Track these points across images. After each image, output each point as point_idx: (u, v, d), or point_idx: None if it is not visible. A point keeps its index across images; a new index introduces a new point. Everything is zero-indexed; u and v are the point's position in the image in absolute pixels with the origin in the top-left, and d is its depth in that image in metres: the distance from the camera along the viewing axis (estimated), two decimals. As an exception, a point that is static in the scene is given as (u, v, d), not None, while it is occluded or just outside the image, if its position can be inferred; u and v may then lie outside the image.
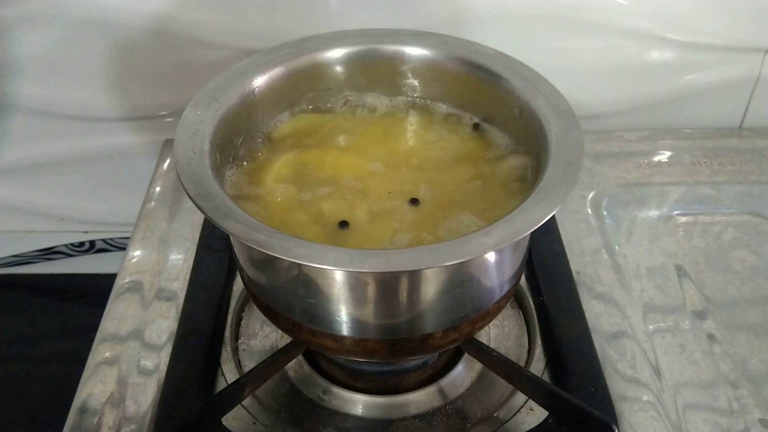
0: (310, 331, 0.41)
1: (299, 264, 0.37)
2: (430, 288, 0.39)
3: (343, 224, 0.42)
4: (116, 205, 0.77)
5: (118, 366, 0.49)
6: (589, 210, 0.61)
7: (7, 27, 0.64)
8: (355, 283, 0.38)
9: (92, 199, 0.77)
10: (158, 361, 0.50)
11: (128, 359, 0.50)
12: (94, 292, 0.83)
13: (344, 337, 0.40)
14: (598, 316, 0.53)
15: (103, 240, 0.80)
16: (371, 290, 0.38)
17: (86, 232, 0.80)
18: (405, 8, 0.64)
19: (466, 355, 0.49)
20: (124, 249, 0.80)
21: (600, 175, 0.64)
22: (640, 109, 0.71)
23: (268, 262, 0.40)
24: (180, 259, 0.57)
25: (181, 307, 0.53)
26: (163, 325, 0.52)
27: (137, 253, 0.59)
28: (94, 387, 0.48)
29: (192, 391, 0.46)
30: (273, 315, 0.43)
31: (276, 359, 0.45)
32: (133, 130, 0.72)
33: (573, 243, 0.58)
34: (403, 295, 0.39)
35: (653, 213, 0.62)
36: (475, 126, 0.49)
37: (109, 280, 0.59)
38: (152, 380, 0.48)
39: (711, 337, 0.52)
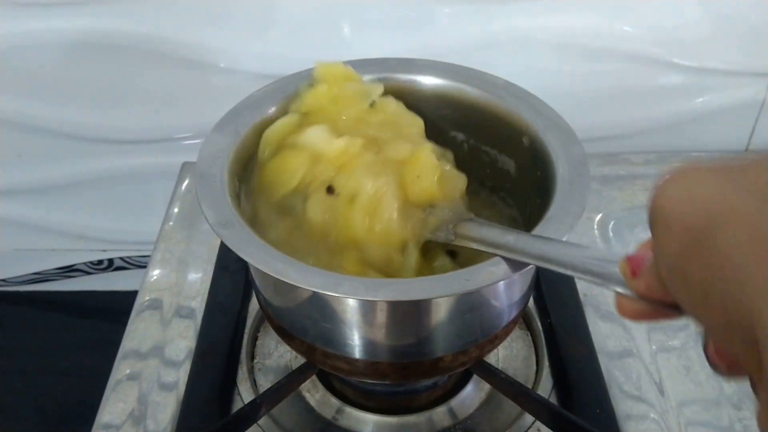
0: (323, 353, 0.42)
1: (315, 291, 0.38)
2: (441, 314, 0.40)
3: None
4: (134, 224, 0.79)
5: (138, 383, 0.51)
6: (596, 233, 0.63)
7: (28, 46, 0.66)
8: (368, 309, 0.39)
9: (111, 218, 0.79)
10: (177, 378, 0.51)
11: (149, 376, 0.52)
12: (112, 308, 0.85)
13: (357, 360, 0.42)
14: (604, 337, 0.54)
15: (121, 258, 0.82)
16: (384, 316, 0.39)
17: (105, 250, 0.82)
18: (415, 35, 0.66)
19: (475, 375, 0.50)
20: (141, 267, 0.83)
21: (607, 198, 0.66)
22: (647, 133, 0.72)
23: (284, 288, 0.42)
24: (198, 279, 0.59)
25: (199, 324, 0.54)
26: (182, 342, 0.54)
27: (157, 272, 0.60)
28: (116, 404, 0.50)
29: (209, 411, 0.47)
30: (288, 337, 0.44)
31: (291, 380, 0.46)
32: (150, 152, 0.74)
33: (580, 265, 0.59)
34: (415, 320, 0.40)
35: (659, 236, 0.63)
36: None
37: (126, 297, 0.60)
38: (172, 397, 0.50)
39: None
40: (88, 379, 0.68)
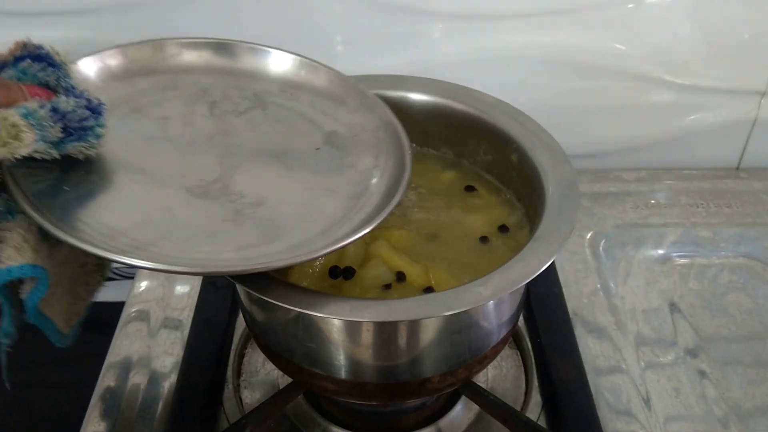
0: (309, 373, 0.42)
1: (300, 311, 0.38)
2: (428, 335, 0.40)
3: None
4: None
5: (124, 393, 0.51)
6: (587, 250, 0.62)
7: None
8: (355, 330, 0.39)
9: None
10: (164, 390, 0.51)
11: (134, 389, 0.51)
12: (100, 319, 0.84)
13: (343, 380, 0.41)
14: (594, 356, 0.53)
15: (109, 269, 0.82)
16: (370, 337, 0.39)
17: (92, 261, 0.82)
18: (408, 50, 0.65)
19: (463, 396, 0.50)
20: (129, 278, 0.82)
21: (598, 216, 0.65)
22: (638, 150, 0.72)
23: (270, 307, 0.41)
24: (185, 291, 0.59)
25: (186, 336, 0.54)
26: (169, 355, 0.53)
27: (144, 283, 0.60)
28: (101, 415, 0.49)
29: (194, 431, 0.47)
30: (274, 356, 0.44)
31: (276, 400, 0.46)
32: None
33: (571, 283, 0.59)
34: (402, 341, 0.39)
35: (650, 254, 0.63)
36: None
37: (114, 308, 0.60)
38: (158, 407, 0.49)
39: (703, 375, 0.53)
40: (75, 391, 0.67)
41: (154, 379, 0.52)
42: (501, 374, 0.53)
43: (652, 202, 0.67)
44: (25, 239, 0.34)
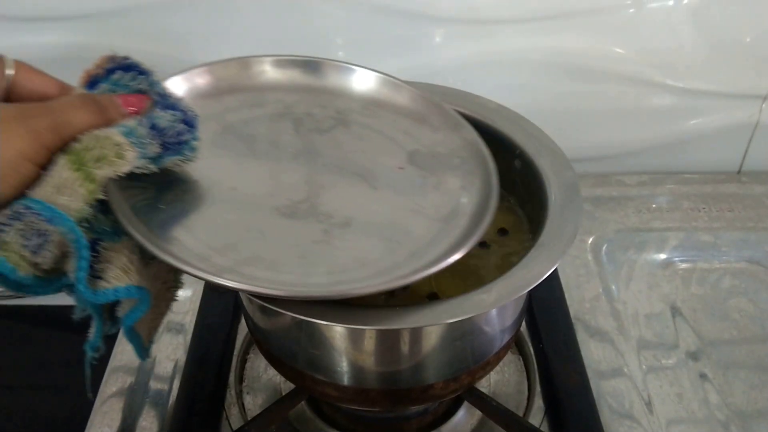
0: (312, 379, 0.42)
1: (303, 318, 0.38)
2: (431, 342, 0.39)
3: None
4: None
5: (127, 399, 0.51)
6: (589, 255, 0.62)
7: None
8: (358, 337, 0.38)
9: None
10: (166, 396, 0.51)
11: (137, 392, 0.51)
12: (100, 324, 0.84)
13: (346, 387, 0.41)
14: (597, 361, 0.53)
15: (110, 273, 0.81)
16: (373, 344, 0.39)
17: (93, 264, 0.81)
18: (409, 54, 0.65)
19: (466, 401, 0.50)
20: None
21: (600, 220, 0.65)
22: (640, 154, 0.72)
23: (273, 313, 0.41)
24: (188, 296, 0.58)
25: (189, 341, 0.54)
26: (171, 358, 0.53)
27: (145, 290, 0.60)
28: (104, 419, 0.49)
29: (197, 437, 0.47)
30: (277, 362, 0.43)
31: (280, 406, 0.46)
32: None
33: (573, 288, 0.59)
34: (405, 348, 0.39)
35: (652, 258, 0.63)
36: None
37: (115, 313, 0.60)
38: (160, 413, 0.49)
39: (705, 379, 0.53)
40: (75, 395, 0.67)
41: (157, 383, 0.52)
42: (503, 379, 0.53)
43: (654, 206, 0.67)
44: (130, 260, 0.35)
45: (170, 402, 0.50)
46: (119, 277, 0.34)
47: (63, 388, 0.76)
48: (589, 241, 0.63)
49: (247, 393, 0.52)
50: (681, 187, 0.69)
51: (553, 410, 0.50)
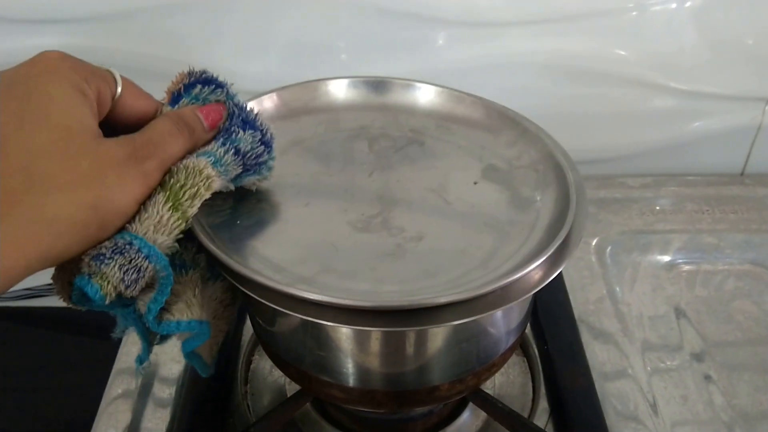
0: (318, 381, 0.42)
1: (311, 321, 0.38)
2: (437, 343, 0.40)
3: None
4: (128, 241, 0.79)
5: (132, 400, 0.51)
6: (593, 257, 0.62)
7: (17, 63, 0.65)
8: (364, 338, 0.39)
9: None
10: (172, 396, 0.51)
11: (143, 394, 0.51)
12: (105, 325, 0.84)
13: (352, 388, 0.41)
14: (601, 363, 0.53)
15: (115, 275, 0.82)
16: (380, 344, 0.39)
17: (98, 267, 0.82)
18: (411, 57, 0.66)
19: (471, 403, 0.50)
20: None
21: (604, 222, 0.66)
22: (643, 156, 0.73)
23: (279, 315, 0.41)
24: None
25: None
26: (177, 360, 0.54)
27: (150, 293, 0.60)
28: (109, 421, 0.49)
29: (202, 438, 0.47)
30: (283, 364, 0.44)
31: (285, 408, 0.46)
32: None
33: (577, 290, 0.59)
34: (411, 349, 0.40)
35: (656, 260, 0.63)
36: None
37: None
38: (166, 415, 0.50)
39: (710, 381, 0.53)
40: (80, 396, 0.67)
41: (162, 386, 0.52)
42: (508, 381, 0.53)
43: (658, 208, 0.67)
44: (194, 294, 0.36)
45: (175, 404, 0.50)
46: (182, 310, 0.35)
47: (68, 390, 0.76)
48: (593, 243, 0.64)
49: (252, 395, 0.52)
50: (684, 189, 0.70)
51: (558, 412, 0.50)
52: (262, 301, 0.35)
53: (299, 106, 0.47)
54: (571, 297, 0.57)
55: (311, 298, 0.34)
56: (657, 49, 0.66)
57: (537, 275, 0.37)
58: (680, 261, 0.63)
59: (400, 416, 0.49)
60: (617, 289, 0.60)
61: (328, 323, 0.35)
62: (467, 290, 0.35)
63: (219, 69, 0.65)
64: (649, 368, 0.53)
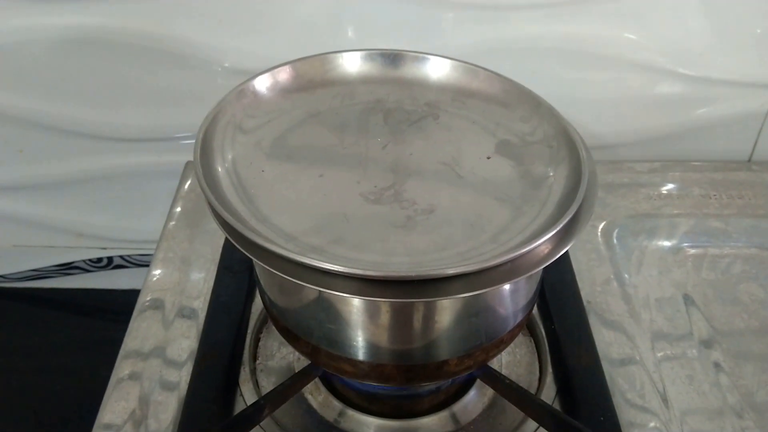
0: (328, 354, 0.42)
1: (321, 291, 0.38)
2: (447, 317, 0.40)
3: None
4: (134, 222, 0.79)
5: (140, 383, 0.51)
6: (600, 240, 0.63)
7: (29, 41, 0.65)
8: (374, 311, 0.39)
9: (110, 216, 0.79)
10: (179, 379, 0.51)
11: (150, 376, 0.51)
12: (111, 307, 0.85)
13: (361, 362, 0.41)
14: (608, 344, 0.54)
15: (121, 256, 0.82)
16: (389, 317, 0.39)
17: (104, 248, 0.82)
18: (419, 41, 0.66)
19: (478, 381, 0.50)
20: (141, 265, 0.83)
21: (611, 206, 0.66)
22: (651, 141, 0.73)
23: (290, 288, 0.42)
24: (201, 279, 0.59)
25: (201, 325, 0.54)
26: (184, 343, 0.54)
27: (158, 271, 0.60)
28: (117, 404, 0.49)
29: (211, 412, 0.47)
30: (293, 338, 0.44)
31: (294, 382, 0.46)
32: (151, 150, 0.74)
33: (584, 272, 0.59)
34: (420, 323, 0.40)
35: (663, 244, 0.63)
36: None
37: (125, 295, 0.60)
38: (173, 397, 0.50)
39: (717, 365, 0.53)
40: (86, 378, 0.67)
41: (171, 365, 0.52)
42: (515, 360, 0.53)
43: (665, 192, 0.67)
44: None
45: (183, 383, 0.50)
46: None
47: (75, 372, 0.77)
48: (601, 227, 0.64)
49: (261, 371, 0.52)
50: (691, 174, 0.70)
51: (564, 390, 0.50)
52: (273, 270, 0.35)
53: (314, 78, 0.47)
54: (578, 279, 0.57)
55: (321, 266, 0.34)
56: (666, 35, 0.66)
57: (546, 249, 0.37)
58: (687, 245, 0.63)
59: (407, 393, 0.49)
60: (624, 272, 0.60)
61: (337, 293, 0.35)
62: (476, 262, 0.35)
63: (227, 48, 0.66)
64: (656, 352, 0.53)
